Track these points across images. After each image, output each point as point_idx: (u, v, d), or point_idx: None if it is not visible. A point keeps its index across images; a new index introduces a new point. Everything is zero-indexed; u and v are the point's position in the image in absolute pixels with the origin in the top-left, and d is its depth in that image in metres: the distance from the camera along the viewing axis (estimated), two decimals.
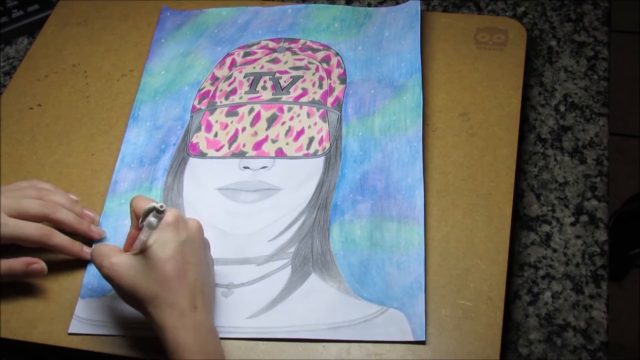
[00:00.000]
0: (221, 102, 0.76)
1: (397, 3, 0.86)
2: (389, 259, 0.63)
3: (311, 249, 0.65)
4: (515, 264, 0.66)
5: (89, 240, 0.67)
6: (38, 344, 0.63)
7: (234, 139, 0.73)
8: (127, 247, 0.60)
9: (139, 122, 0.76)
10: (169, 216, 0.58)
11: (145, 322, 0.58)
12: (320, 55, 0.79)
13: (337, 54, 0.79)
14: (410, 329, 0.60)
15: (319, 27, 0.82)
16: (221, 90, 0.77)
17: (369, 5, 0.86)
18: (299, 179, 0.70)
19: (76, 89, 0.81)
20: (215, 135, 0.74)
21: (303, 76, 0.77)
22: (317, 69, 0.77)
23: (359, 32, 0.80)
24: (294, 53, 0.79)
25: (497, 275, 0.62)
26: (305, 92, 0.76)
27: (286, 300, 0.62)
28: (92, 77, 0.82)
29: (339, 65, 0.78)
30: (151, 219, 0.55)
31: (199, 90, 0.78)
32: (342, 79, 0.77)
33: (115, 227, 0.69)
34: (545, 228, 0.68)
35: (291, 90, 0.76)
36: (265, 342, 0.61)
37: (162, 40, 0.83)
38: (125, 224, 0.68)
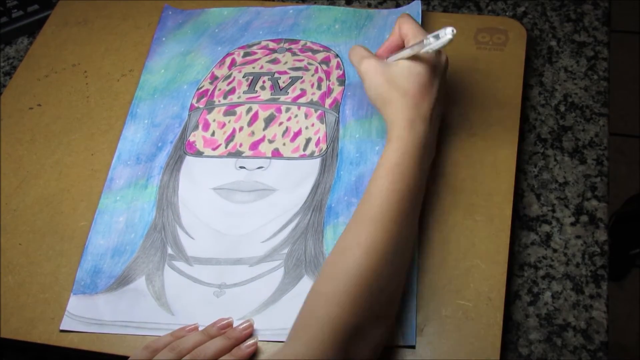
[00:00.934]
0: (219, 101, 0.76)
1: (397, 4, 0.86)
2: None
3: (304, 251, 0.65)
4: (515, 264, 0.66)
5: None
6: (38, 344, 0.63)
7: (231, 138, 0.73)
8: (384, 53, 0.67)
9: (137, 120, 0.77)
10: (443, 56, 0.65)
11: (141, 321, 0.57)
12: (320, 56, 0.79)
13: (337, 56, 0.79)
14: (400, 334, 0.60)
15: (319, 28, 0.82)
16: (220, 89, 0.77)
17: (369, 6, 0.86)
18: (294, 180, 0.70)
19: (76, 88, 0.81)
20: (213, 134, 0.74)
21: (302, 77, 0.77)
22: (316, 70, 0.77)
23: (359, 34, 0.80)
24: (294, 54, 0.79)
25: (497, 275, 0.62)
26: (303, 92, 0.76)
27: (278, 302, 0.62)
28: (92, 77, 0.82)
29: (338, 66, 0.78)
30: (449, 36, 0.57)
31: (198, 89, 0.78)
32: (341, 80, 0.77)
33: (109, 223, 0.69)
34: (546, 228, 0.68)
35: (290, 90, 0.76)
36: (258, 343, 0.61)
37: (163, 39, 0.83)
38: (120, 221, 0.69)
